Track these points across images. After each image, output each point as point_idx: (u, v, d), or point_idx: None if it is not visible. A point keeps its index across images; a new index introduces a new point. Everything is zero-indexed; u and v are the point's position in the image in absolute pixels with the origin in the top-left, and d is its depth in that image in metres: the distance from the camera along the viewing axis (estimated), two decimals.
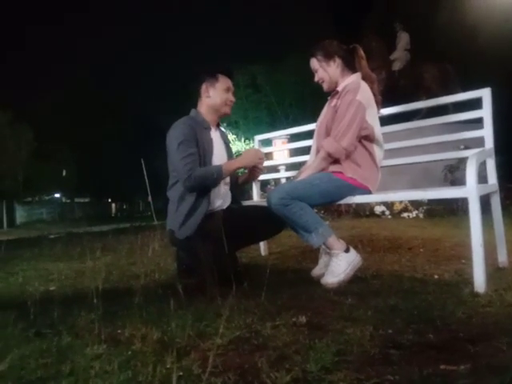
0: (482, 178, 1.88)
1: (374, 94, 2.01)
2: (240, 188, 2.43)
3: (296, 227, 1.95)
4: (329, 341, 1.14)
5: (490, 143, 2.01)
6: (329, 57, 2.05)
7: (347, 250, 1.88)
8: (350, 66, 2.07)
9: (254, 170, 2.21)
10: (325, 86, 2.12)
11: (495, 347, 1.07)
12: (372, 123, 1.96)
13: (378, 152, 2.01)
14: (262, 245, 2.98)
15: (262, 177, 2.86)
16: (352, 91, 1.94)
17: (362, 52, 2.07)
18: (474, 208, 1.61)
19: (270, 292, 1.63)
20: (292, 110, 18.38)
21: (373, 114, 1.98)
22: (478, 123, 2.08)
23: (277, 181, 6.45)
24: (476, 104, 2.07)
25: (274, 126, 16.21)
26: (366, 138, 1.97)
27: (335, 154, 1.94)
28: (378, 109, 2.05)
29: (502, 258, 2.06)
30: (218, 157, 2.15)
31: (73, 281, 2.36)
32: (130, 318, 1.43)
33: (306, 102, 15.92)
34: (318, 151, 2.11)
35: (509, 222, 2.45)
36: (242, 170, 2.28)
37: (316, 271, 2.07)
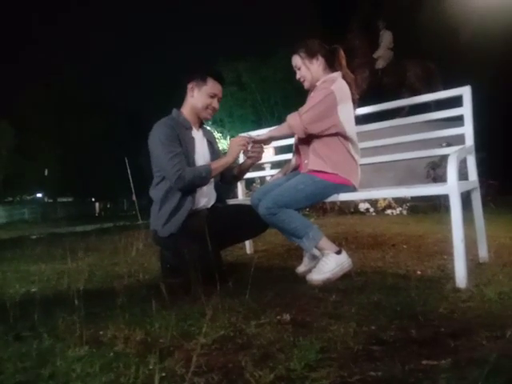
0: (463, 174, 1.91)
1: (352, 93, 2.02)
2: (226, 186, 2.41)
3: (286, 234, 1.97)
4: (313, 338, 1.15)
5: (470, 140, 2.04)
6: (312, 55, 2.06)
7: (339, 253, 1.89)
8: (332, 65, 2.09)
9: (249, 157, 2.16)
10: (306, 85, 2.12)
11: (475, 341, 1.08)
12: (343, 121, 1.95)
13: (353, 149, 2.02)
14: (248, 243, 2.97)
15: (248, 175, 2.85)
16: (328, 82, 1.98)
17: (342, 52, 2.10)
18: (454, 204, 1.63)
19: (255, 290, 1.63)
20: (277, 107, 18.42)
21: (346, 112, 1.97)
22: (460, 120, 2.10)
23: (262, 179, 6.45)
24: (457, 102, 2.10)
25: (259, 124, 16.23)
26: (340, 135, 1.98)
27: (294, 127, 1.97)
28: (354, 108, 2.07)
29: (483, 253, 2.10)
30: (201, 156, 2.13)
31: (55, 282, 2.32)
32: (113, 319, 1.41)
33: (292, 99, 15.95)
34: (297, 148, 2.13)
35: (489, 218, 2.50)
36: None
37: (301, 268, 2.08)
